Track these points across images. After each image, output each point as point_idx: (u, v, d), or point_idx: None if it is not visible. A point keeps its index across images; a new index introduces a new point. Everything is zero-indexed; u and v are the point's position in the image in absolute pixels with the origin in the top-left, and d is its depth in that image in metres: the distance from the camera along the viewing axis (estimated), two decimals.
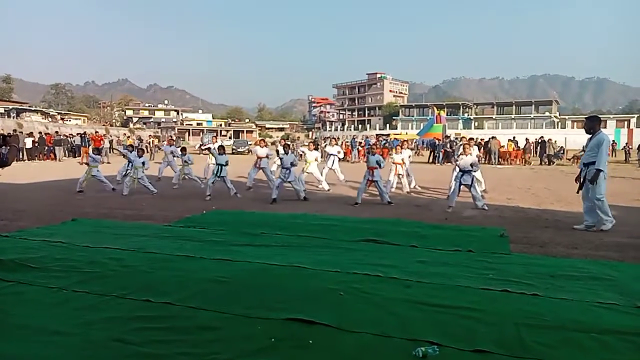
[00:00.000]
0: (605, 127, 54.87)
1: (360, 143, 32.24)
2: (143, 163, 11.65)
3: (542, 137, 27.45)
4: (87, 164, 12.25)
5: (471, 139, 12.58)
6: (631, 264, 5.13)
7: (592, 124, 7.12)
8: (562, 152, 30.93)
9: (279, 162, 10.97)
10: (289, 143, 11.98)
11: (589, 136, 7.12)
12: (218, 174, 10.76)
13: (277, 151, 11.83)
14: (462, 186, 9.00)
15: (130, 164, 11.56)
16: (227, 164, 10.91)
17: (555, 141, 30.97)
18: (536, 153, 27.24)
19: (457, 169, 9.37)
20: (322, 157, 13.42)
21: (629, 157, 28.23)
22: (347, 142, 34.10)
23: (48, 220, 7.51)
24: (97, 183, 11.95)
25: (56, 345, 3.02)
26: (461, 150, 9.45)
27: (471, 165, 8.91)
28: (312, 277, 4.40)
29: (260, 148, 12.90)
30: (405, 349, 2.94)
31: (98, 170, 11.93)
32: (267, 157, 12.70)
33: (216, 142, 15.26)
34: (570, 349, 2.97)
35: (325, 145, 15.81)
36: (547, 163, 25.06)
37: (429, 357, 2.81)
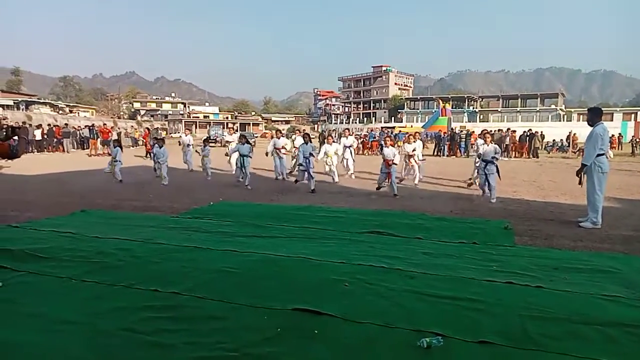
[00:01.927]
0: (612, 120, 54.41)
1: (366, 136, 32.13)
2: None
3: (529, 129, 27.04)
4: (109, 154, 12.79)
5: (487, 131, 12.63)
6: (636, 256, 5.12)
7: (591, 116, 6.99)
8: (568, 144, 30.75)
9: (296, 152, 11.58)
10: (308, 133, 12.29)
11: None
12: (242, 164, 11.20)
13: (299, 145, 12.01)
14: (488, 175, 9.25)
15: (155, 156, 12.01)
16: (249, 155, 11.31)
17: (576, 134, 30.15)
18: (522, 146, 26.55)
19: (479, 160, 9.74)
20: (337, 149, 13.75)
21: (636, 150, 27.99)
22: (366, 134, 34.02)
23: (57, 211, 7.58)
24: (107, 174, 12.26)
25: (65, 334, 3.08)
26: (482, 141, 9.75)
27: (494, 155, 9.21)
28: (317, 268, 4.43)
29: (278, 139, 13.31)
30: (409, 339, 2.97)
31: (120, 162, 12.33)
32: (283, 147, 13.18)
33: (233, 133, 15.49)
34: (574, 341, 2.99)
35: (340, 138, 16.15)
36: (533, 155, 24.86)
37: (433, 347, 2.84)
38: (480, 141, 10.09)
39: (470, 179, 11.51)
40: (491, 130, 24.93)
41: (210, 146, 14.20)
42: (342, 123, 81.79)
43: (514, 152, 25.60)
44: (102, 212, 7.75)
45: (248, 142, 11.58)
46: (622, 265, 4.69)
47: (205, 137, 16.04)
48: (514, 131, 27.16)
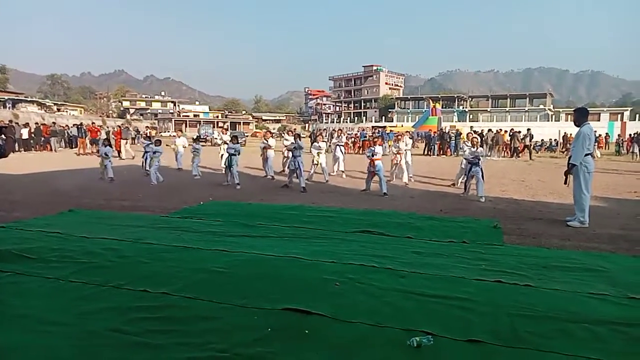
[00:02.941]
0: (599, 120, 55.05)
1: (357, 136, 32.23)
2: (155, 152, 12.13)
3: (512, 129, 27.18)
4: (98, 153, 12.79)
5: (475, 131, 12.81)
6: (623, 255, 5.19)
7: (578, 116, 7.03)
8: (556, 144, 31.05)
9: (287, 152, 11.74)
10: (299, 133, 12.42)
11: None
12: (229, 164, 11.14)
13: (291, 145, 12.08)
14: (472, 177, 9.45)
15: (147, 155, 11.95)
16: (237, 153, 11.30)
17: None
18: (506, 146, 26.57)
19: (465, 162, 9.93)
20: (328, 148, 13.91)
21: (622, 150, 28.39)
22: (357, 134, 34.17)
23: (45, 211, 7.50)
24: (96, 173, 12.19)
25: (53, 335, 3.04)
26: (469, 144, 9.85)
27: (477, 157, 9.35)
28: (308, 267, 4.43)
29: (267, 140, 13.54)
30: (399, 338, 2.97)
31: (110, 162, 12.25)
32: (270, 147, 13.30)
33: (226, 133, 15.61)
34: (563, 339, 3.01)
35: (333, 138, 16.43)
36: (513, 155, 24.99)
37: (424, 346, 2.85)
38: (467, 143, 10.23)
39: (453, 180, 11.67)
40: (481, 131, 25.14)
41: (202, 145, 14.25)
42: (333, 122, 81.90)
43: (503, 152, 25.76)
44: (90, 211, 7.67)
45: (237, 142, 11.63)
46: (609, 263, 4.74)
47: (196, 137, 16.01)
48: (505, 131, 27.34)
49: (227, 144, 12.05)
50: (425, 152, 27.38)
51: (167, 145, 16.71)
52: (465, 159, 9.99)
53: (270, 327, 3.13)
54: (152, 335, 3.02)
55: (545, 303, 3.57)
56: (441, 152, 26.67)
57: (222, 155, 14.18)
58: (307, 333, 3.06)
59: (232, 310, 3.44)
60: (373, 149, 10.29)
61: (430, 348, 2.85)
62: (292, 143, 11.18)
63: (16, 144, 23.59)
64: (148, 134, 19.45)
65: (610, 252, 5.31)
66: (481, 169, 9.33)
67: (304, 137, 13.51)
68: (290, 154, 11.28)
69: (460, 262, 4.72)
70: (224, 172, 11.71)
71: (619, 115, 61.89)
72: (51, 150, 26.44)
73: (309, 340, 2.99)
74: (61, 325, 3.18)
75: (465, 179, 9.82)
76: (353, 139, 30.98)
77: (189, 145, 15.21)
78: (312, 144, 13.43)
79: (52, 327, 3.15)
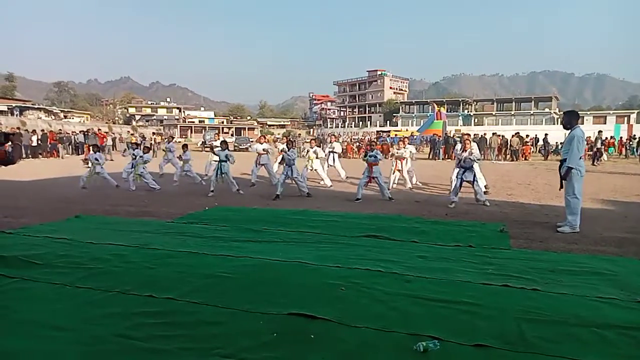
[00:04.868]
0: (605, 123, 54.83)
1: (362, 140, 32.20)
2: (146, 160, 11.83)
3: (497, 135, 27.06)
4: (86, 160, 12.37)
5: (467, 134, 12.35)
6: (631, 258, 5.14)
7: (569, 119, 6.89)
8: (560, 148, 30.86)
9: (280, 159, 11.15)
10: (292, 139, 12.07)
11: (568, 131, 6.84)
12: (220, 171, 10.77)
13: (283, 150, 11.48)
14: (463, 182, 8.85)
15: (134, 161, 11.73)
16: (227, 160, 10.91)
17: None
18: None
19: (458, 166, 9.23)
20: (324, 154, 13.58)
21: (629, 153, 28.25)
22: (354, 139, 34.11)
23: (51, 217, 7.53)
24: (101, 180, 12.11)
25: (59, 340, 3.05)
26: (460, 147, 9.31)
27: (467, 159, 8.71)
28: (313, 272, 4.42)
29: (260, 144, 13.05)
30: (406, 343, 2.96)
31: (102, 168, 12.09)
32: (266, 152, 12.83)
33: (218, 139, 15.48)
34: (571, 343, 2.99)
35: (327, 143, 15.95)
36: (511, 159, 25.03)
37: (430, 351, 2.83)
38: (458, 146, 9.53)
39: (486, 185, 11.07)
40: (484, 134, 25.14)
41: (206, 151, 14.07)
42: (338, 127, 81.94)
43: (507, 156, 25.74)
44: (96, 217, 7.71)
45: (227, 148, 11.24)
46: (616, 267, 4.70)
47: (184, 144, 14.56)
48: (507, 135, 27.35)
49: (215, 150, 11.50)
50: (431, 157, 27.36)
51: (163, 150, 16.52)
52: (459, 160, 9.07)
53: (276, 332, 3.13)
54: (158, 340, 3.02)
55: (553, 307, 3.54)
56: (446, 156, 26.63)
57: (211, 162, 13.34)
58: (313, 338, 3.05)
59: (237, 315, 3.43)
60: (372, 154, 9.96)
61: (437, 353, 2.83)
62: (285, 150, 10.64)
63: (24, 151, 23.79)
64: (153, 141, 19.34)
65: (618, 256, 5.27)
66: (474, 174, 8.79)
67: (306, 142, 13.31)
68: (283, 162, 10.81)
69: (466, 266, 4.69)
70: (214, 179, 10.87)
71: (626, 118, 61.56)
72: (58, 156, 26.64)
73: (314, 345, 2.97)
74: (67, 330, 3.19)
75: (454, 186, 9.03)
76: (358, 144, 30.95)
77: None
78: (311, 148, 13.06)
79: (58, 332, 3.16)
